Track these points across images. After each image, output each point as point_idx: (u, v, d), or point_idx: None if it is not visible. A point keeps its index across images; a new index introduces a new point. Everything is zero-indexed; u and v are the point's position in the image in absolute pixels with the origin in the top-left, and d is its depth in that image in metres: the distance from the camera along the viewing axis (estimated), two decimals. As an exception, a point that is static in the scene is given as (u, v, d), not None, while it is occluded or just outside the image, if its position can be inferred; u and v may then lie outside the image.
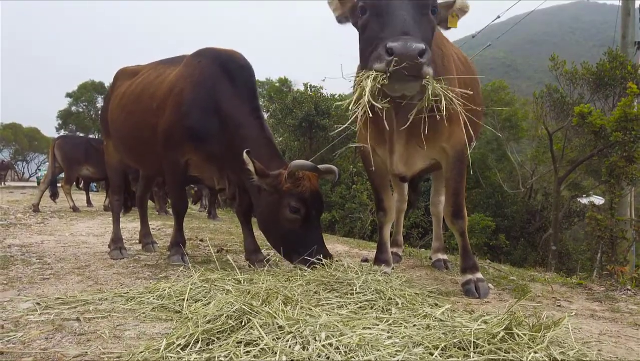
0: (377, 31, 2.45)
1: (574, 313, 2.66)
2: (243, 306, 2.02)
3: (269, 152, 3.51)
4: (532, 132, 14.82)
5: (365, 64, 2.49)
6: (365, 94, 2.35)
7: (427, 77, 2.35)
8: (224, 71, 3.68)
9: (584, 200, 12.94)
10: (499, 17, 13.57)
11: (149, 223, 5.04)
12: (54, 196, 10.61)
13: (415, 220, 13.14)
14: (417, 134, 2.85)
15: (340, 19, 2.82)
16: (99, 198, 14.61)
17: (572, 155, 10.75)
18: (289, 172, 3.25)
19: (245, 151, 3.26)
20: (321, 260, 3.09)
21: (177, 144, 3.66)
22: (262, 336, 1.81)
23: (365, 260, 4.33)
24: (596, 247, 8.80)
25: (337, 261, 4.11)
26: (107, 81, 33.56)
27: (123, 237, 4.60)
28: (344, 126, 2.92)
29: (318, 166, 3.45)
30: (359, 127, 3.38)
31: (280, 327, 1.88)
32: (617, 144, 8.04)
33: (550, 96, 10.22)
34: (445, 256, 4.18)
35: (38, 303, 2.47)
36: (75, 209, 10.13)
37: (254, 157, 3.30)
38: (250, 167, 3.25)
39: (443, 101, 2.41)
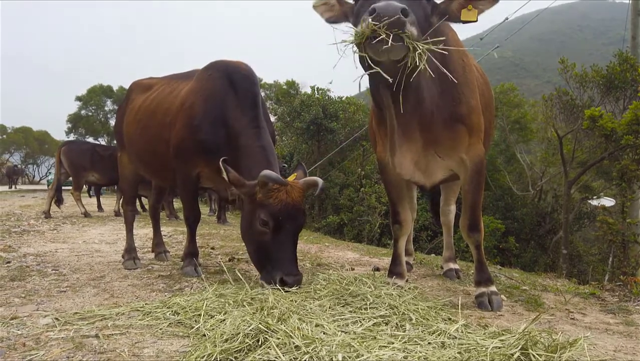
0: (366, 5, 2.43)
1: (588, 330, 2.64)
2: (260, 325, 2.05)
3: (259, 161, 3.41)
4: (541, 134, 14.72)
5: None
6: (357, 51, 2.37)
7: (411, 38, 2.29)
8: (230, 83, 3.71)
9: (595, 202, 12.82)
10: (507, 19, 13.51)
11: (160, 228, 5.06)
12: (59, 202, 10.61)
13: (424, 223, 13.10)
14: (435, 142, 2.87)
15: (336, 19, 2.78)
16: (109, 203, 14.73)
17: (582, 157, 10.68)
18: (259, 182, 3.10)
19: (221, 159, 3.24)
20: (285, 285, 2.95)
21: (189, 157, 3.70)
22: (280, 357, 1.84)
23: (377, 269, 4.34)
24: (607, 251, 8.75)
25: (347, 270, 4.13)
26: (116, 85, 33.88)
27: (135, 245, 4.64)
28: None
29: (305, 178, 3.36)
30: (376, 138, 3.40)
31: (297, 347, 1.90)
32: (628, 147, 8.00)
33: (560, 99, 10.17)
34: (456, 266, 4.17)
35: (57, 319, 2.51)
36: (86, 214, 10.23)
37: (246, 165, 3.33)
38: (224, 175, 3.21)
39: (423, 58, 2.32)
